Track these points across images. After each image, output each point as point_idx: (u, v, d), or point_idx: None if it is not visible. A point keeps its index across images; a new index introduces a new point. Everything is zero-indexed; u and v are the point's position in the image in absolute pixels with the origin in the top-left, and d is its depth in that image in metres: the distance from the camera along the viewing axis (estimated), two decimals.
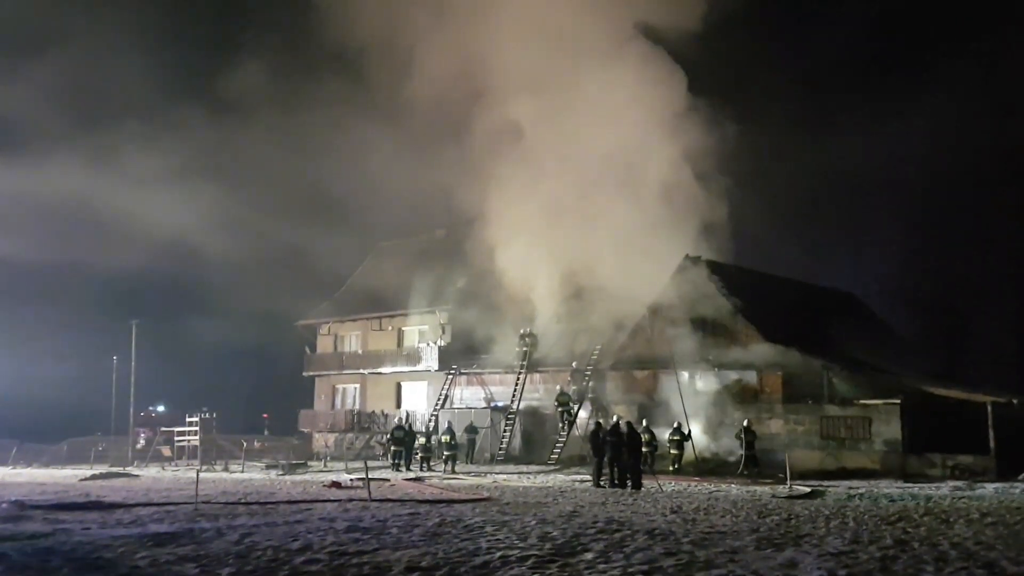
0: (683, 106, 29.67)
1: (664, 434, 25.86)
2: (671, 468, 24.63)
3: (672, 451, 25.23)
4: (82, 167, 44.76)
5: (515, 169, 32.02)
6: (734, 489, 20.33)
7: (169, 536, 11.66)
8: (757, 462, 23.97)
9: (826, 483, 21.33)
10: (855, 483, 21.66)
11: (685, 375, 28.54)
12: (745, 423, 24.88)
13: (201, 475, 19.32)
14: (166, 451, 38.57)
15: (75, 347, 48.24)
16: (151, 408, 42.61)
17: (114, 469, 31.13)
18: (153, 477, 27.97)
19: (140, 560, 9.72)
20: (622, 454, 20.57)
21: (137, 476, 28.28)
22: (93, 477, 27.11)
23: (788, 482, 20.71)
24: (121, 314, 42.57)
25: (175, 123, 50.60)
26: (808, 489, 19.48)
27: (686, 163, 29.42)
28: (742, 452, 23.95)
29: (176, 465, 35.01)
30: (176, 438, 38.35)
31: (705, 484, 21.74)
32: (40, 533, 12.22)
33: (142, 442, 39.81)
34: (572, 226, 30.72)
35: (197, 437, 37.13)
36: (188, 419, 38.25)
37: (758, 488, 20.51)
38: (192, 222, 48.63)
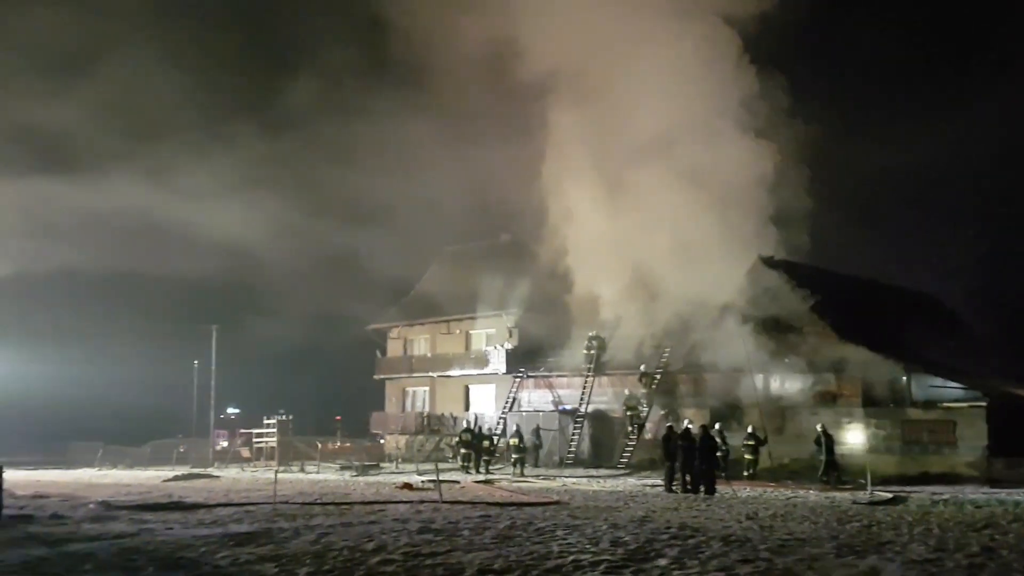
0: (755, 102, 28.96)
1: (737, 439, 25.34)
2: (746, 473, 24.14)
3: (746, 456, 24.71)
4: (141, 181, 46.56)
5: (581, 171, 31.81)
6: (812, 495, 19.82)
7: (249, 536, 11.97)
8: (837, 467, 23.31)
9: (908, 489, 20.63)
10: (939, 489, 20.91)
11: (759, 378, 27.94)
12: (820, 427, 24.23)
13: (279, 476, 19.81)
14: (245, 452, 39.69)
15: (155, 353, 49.95)
16: (229, 411, 43.90)
17: (195, 470, 32.07)
18: (233, 478, 28.76)
19: (221, 560, 10.00)
20: (695, 459, 20.25)
21: (217, 477, 29.12)
22: (175, 478, 28.00)
23: (868, 488, 20.08)
24: (195, 320, 44.10)
25: (230, 137, 52.13)
26: (890, 495, 18.89)
27: (758, 160, 28.72)
28: (821, 457, 23.33)
29: (254, 466, 35.93)
30: (254, 440, 39.49)
31: (781, 490, 21.26)
32: (126, 533, 12.69)
33: (222, 444, 41.09)
34: (640, 226, 30.29)
35: (274, 439, 38.13)
36: (265, 421, 39.35)
37: (837, 494, 19.95)
38: (255, 231, 50.10)
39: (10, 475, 16.58)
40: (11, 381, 44.20)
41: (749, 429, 25.30)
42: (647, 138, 30.03)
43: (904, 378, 26.30)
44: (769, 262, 30.03)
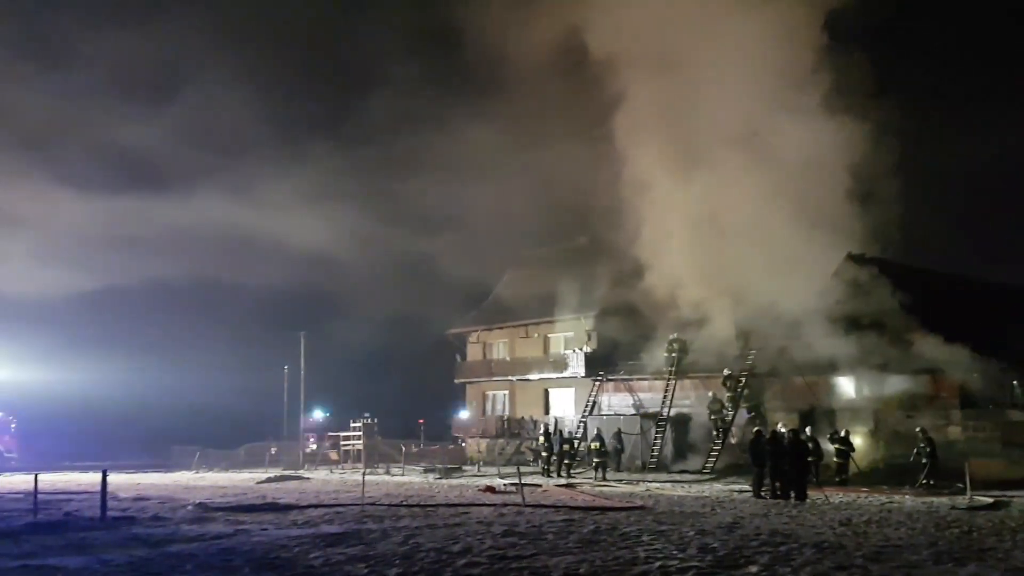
0: (843, 86, 27.98)
1: (829, 443, 24.62)
2: (837, 479, 23.44)
3: (837, 460, 23.98)
4: (225, 196, 48.59)
5: (658, 167, 31.37)
6: (908, 500, 19.12)
7: (339, 536, 12.27)
8: (935, 471, 22.40)
9: (1010, 493, 19.69)
10: None
11: (851, 380, 27.02)
12: (920, 430, 23.32)
13: (365, 478, 20.24)
14: (333, 455, 40.69)
15: (247, 359, 51.81)
16: (317, 415, 45.06)
17: (287, 472, 32.98)
18: (322, 480, 29.50)
19: (314, 560, 10.28)
20: (784, 463, 19.76)
21: (308, 479, 29.91)
22: (268, 480, 28.89)
23: (968, 492, 19.24)
24: (282, 327, 45.54)
25: (308, 151, 53.79)
26: (991, 500, 18.12)
27: (848, 155, 27.75)
28: (924, 461, 22.45)
29: (342, 468, 36.77)
30: (341, 442, 40.48)
31: (875, 495, 20.57)
32: (223, 534, 13.17)
33: (311, 446, 42.22)
34: (723, 224, 29.68)
35: (360, 442, 39.01)
36: (352, 424, 40.30)
37: (935, 499, 19.19)
38: (336, 240, 51.65)
39: (113, 478, 17.39)
40: (113, 389, 46.57)
41: (841, 433, 24.55)
42: (727, 129, 29.42)
43: (1006, 378, 25.06)
44: (859, 259, 29.05)
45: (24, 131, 59.83)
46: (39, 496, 17.91)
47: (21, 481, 25.16)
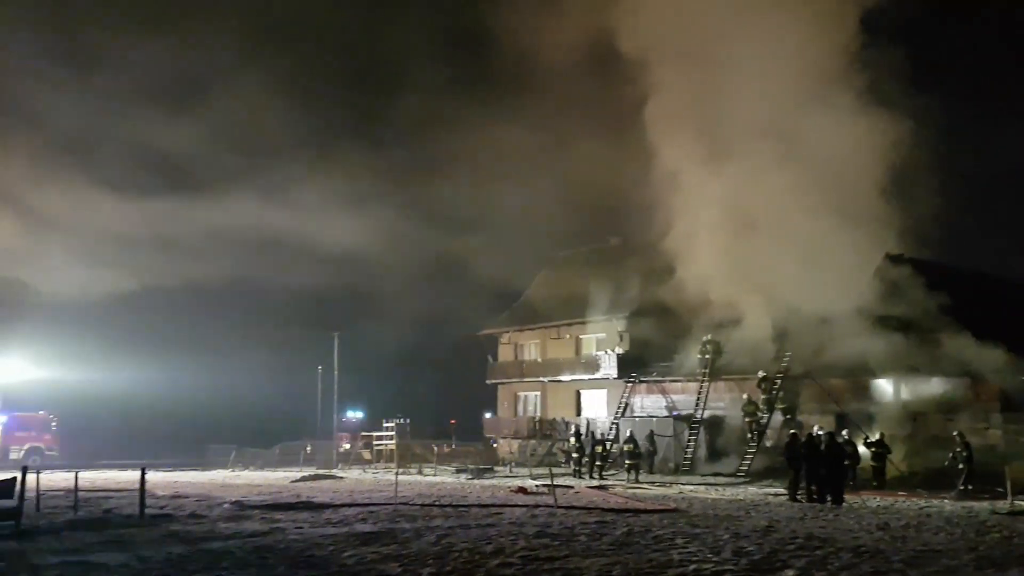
0: (881, 90, 27.53)
1: (864, 447, 24.24)
2: (874, 482, 23.09)
3: (874, 464, 23.62)
4: (258, 198, 49.27)
5: (691, 169, 31.12)
6: (947, 505, 18.78)
7: (373, 535, 12.36)
8: (973, 476, 21.95)
9: None
10: None
11: (888, 382, 26.57)
12: (958, 434, 22.86)
13: (398, 478, 20.36)
14: (366, 455, 41.01)
15: (281, 360, 52.43)
16: (350, 414, 45.46)
17: (320, 471, 33.31)
18: (355, 479, 29.72)
19: (348, 559, 10.36)
20: (820, 467, 19.50)
21: (341, 478, 30.17)
22: (302, 479, 29.18)
23: (1009, 497, 18.82)
24: (316, 327, 45.99)
25: (340, 154, 54.39)
26: None
27: (885, 153, 27.30)
28: (961, 466, 22.03)
29: (375, 468, 37.03)
30: (374, 442, 40.79)
31: (913, 499, 20.23)
32: (259, 532, 13.33)
33: (344, 446, 42.59)
34: (756, 224, 29.32)
35: (393, 442, 39.28)
36: (384, 424, 40.60)
37: (975, 504, 18.80)
38: (368, 242, 52.15)
39: (151, 476, 17.67)
40: (151, 388, 47.36)
41: (876, 436, 24.19)
42: (761, 125, 29.07)
43: None
44: (897, 259, 28.56)
45: (64, 136, 61.24)
46: (79, 493, 18.30)
47: (62, 479, 25.62)
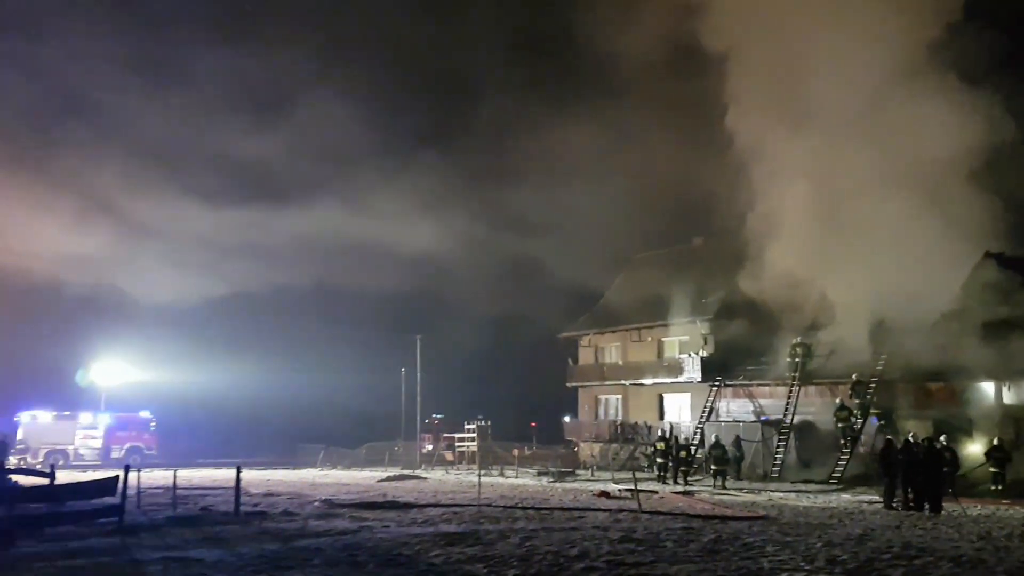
0: (983, 78, 26.24)
1: (965, 452, 23.18)
2: (993, 488, 22.15)
3: (992, 470, 22.61)
4: (340, 205, 50.32)
5: (778, 166, 30.25)
6: None
7: (458, 536, 12.46)
8: None
9: None
10: None
11: (990, 386, 25.31)
12: None
13: (480, 479, 20.48)
14: (449, 456, 41.45)
15: (368, 362, 53.47)
16: (434, 416, 46.03)
17: (405, 472, 33.84)
18: (439, 479, 30.08)
19: (435, 558, 10.47)
20: (918, 474, 18.72)
21: (425, 478, 30.57)
22: (388, 479, 29.71)
23: None
24: (399, 330, 46.79)
25: (418, 160, 55.15)
26: None
27: (983, 148, 25.99)
28: None
29: (457, 469, 37.38)
30: (456, 444, 41.20)
31: (1017, 508, 19.20)
32: (348, 530, 13.62)
33: (427, 447, 43.17)
34: (847, 223, 28.27)
35: (475, 443, 39.58)
36: (466, 426, 40.96)
37: None
38: (447, 246, 52.65)
39: (244, 475, 18.25)
40: (243, 390, 49.02)
41: (995, 441, 23.08)
42: (853, 116, 28.04)
43: None
44: (998, 258, 27.19)
45: (153, 146, 64.06)
46: (177, 491, 19.07)
47: (160, 477, 26.80)
